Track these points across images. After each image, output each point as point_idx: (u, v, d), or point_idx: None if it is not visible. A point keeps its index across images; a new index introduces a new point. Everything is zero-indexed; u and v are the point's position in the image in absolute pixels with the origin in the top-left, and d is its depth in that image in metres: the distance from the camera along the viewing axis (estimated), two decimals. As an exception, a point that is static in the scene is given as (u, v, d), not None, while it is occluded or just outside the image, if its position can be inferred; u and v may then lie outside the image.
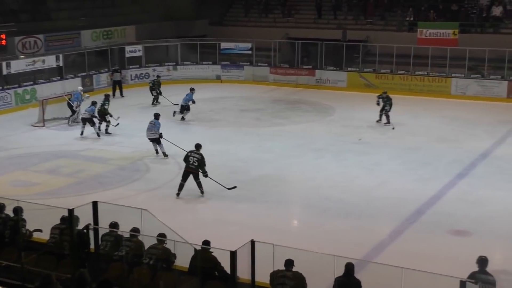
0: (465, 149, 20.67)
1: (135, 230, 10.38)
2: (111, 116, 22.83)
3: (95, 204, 10.29)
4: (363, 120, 24.56)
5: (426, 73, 29.80)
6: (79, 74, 30.01)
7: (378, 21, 34.17)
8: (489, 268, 9.53)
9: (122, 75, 30.62)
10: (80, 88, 25.83)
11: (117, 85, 29.99)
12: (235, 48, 33.80)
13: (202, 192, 16.47)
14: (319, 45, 31.73)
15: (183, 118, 24.69)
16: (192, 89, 25.31)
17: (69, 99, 24.74)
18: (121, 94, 29.81)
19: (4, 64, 26.79)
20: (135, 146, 21.03)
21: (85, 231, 10.36)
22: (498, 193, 16.66)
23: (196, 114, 25.83)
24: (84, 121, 22.48)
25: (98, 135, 22.45)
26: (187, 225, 13.65)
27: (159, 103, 27.78)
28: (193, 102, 25.04)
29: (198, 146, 16.70)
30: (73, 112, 24.40)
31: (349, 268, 9.29)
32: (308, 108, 27.62)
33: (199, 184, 16.46)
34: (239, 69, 33.47)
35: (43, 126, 23.98)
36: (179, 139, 20.18)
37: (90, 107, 22.50)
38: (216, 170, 17.22)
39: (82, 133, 22.48)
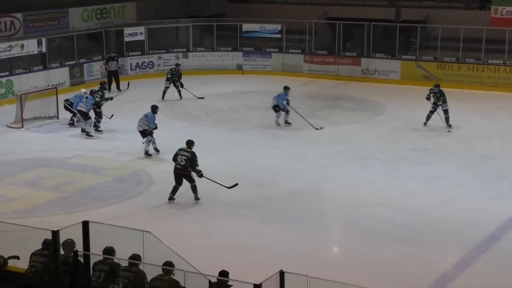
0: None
1: (136, 258, 10.38)
2: (99, 111, 23.49)
3: (85, 224, 10.34)
4: (421, 121, 24.44)
5: (501, 61, 29.56)
6: (67, 63, 30.30)
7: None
8: None
9: (120, 64, 30.82)
10: (84, 90, 25.08)
11: (113, 76, 30.24)
12: (261, 30, 33.91)
13: (196, 198, 17.24)
14: (366, 27, 31.72)
15: (286, 122, 24.68)
16: (287, 88, 24.88)
17: (68, 104, 24.72)
18: (118, 88, 29.96)
19: (-27, 50, 27.22)
20: (136, 152, 21.11)
21: (71, 258, 10.43)
22: None
23: (213, 113, 26.00)
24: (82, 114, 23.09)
25: (90, 134, 22.93)
26: (200, 252, 13.67)
27: (181, 97, 28.26)
28: (287, 103, 24.54)
29: (189, 143, 17.36)
30: (72, 113, 24.45)
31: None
32: (352, 106, 27.68)
33: (194, 189, 17.14)
34: (265, 57, 33.62)
35: (22, 127, 24.20)
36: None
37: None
38: (237, 180, 17.39)
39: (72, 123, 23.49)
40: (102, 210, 16.83)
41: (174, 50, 33.68)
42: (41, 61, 29.59)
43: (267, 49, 33.87)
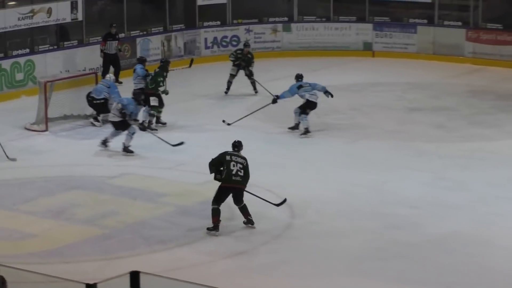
0: None
1: (206, 329, 10.59)
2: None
3: (134, 276, 10.55)
4: None
5: None
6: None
7: None
8: None
9: (121, 45, 30.84)
10: (111, 76, 26.34)
11: (111, 62, 30.20)
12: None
13: (252, 222, 17.69)
14: None
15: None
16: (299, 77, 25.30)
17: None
18: (117, 79, 28.77)
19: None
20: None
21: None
22: None
23: (326, 115, 26.04)
24: (116, 126, 23.25)
25: (130, 150, 23.10)
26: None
27: (257, 91, 28.68)
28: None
29: (238, 145, 17.93)
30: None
31: None
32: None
33: (245, 210, 17.59)
34: (407, 32, 33.74)
35: (45, 130, 24.61)
36: (288, 158, 20.35)
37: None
38: (360, 219, 17.43)
39: (105, 143, 23.22)
40: (159, 256, 16.85)
41: (271, 19, 34.04)
42: (75, 34, 30.22)
43: (410, 20, 33.89)
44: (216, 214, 17.25)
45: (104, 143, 23.06)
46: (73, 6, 29.44)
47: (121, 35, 30.61)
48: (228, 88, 28.78)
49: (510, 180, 20.94)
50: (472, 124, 24.93)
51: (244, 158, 17.45)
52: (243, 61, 28.60)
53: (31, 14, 28.54)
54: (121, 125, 22.56)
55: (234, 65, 28.75)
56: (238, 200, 17.48)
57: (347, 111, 26.86)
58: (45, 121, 24.63)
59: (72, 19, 29.65)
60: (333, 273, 16.18)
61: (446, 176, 21.22)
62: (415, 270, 16.26)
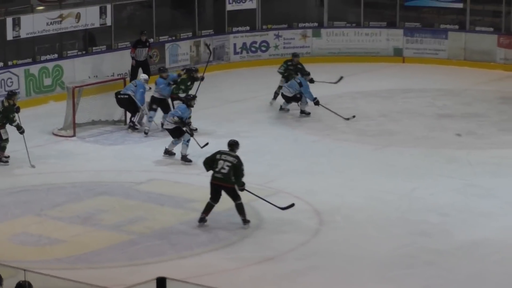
0: None
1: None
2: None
3: (161, 282, 10.59)
4: None
5: None
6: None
7: None
8: None
9: (151, 52, 30.90)
10: (144, 76, 26.40)
11: (142, 69, 29.87)
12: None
13: (245, 222, 17.96)
14: None
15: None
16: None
17: (122, 96, 25.34)
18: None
19: (9, 21, 28.04)
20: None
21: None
22: None
23: (355, 121, 26.11)
24: (172, 133, 23.03)
25: (188, 159, 22.98)
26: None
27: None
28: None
29: (233, 145, 18.46)
30: (136, 110, 25.19)
31: None
32: None
33: (240, 209, 17.82)
34: (438, 37, 33.59)
35: (73, 135, 24.76)
36: (318, 164, 20.35)
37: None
38: (389, 226, 17.48)
39: (168, 153, 23.37)
40: (186, 262, 16.87)
41: (300, 25, 34.00)
42: (104, 39, 30.34)
43: (442, 25, 33.75)
44: (206, 208, 17.99)
45: (167, 152, 23.15)
46: (102, 11, 29.56)
47: (150, 40, 30.63)
48: (274, 98, 28.42)
49: None
50: (503, 130, 24.92)
51: (236, 157, 17.78)
52: (295, 72, 28.16)
53: (59, 19, 28.62)
54: (176, 132, 22.49)
55: (283, 76, 28.33)
56: (232, 198, 17.83)
57: (376, 117, 26.88)
58: (73, 127, 24.77)
59: (100, 24, 29.75)
60: (362, 280, 16.13)
61: (476, 183, 21.14)
62: (444, 277, 16.19)
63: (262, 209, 19.60)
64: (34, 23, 28.38)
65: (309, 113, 26.42)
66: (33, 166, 22.16)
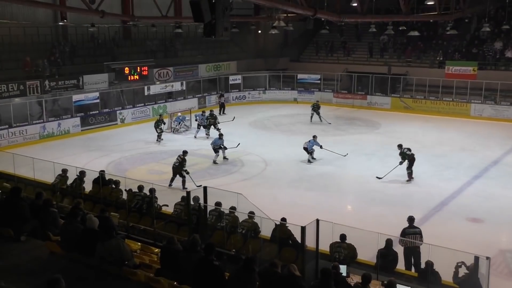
0: (480, 157, 19.80)
1: (233, 208, 10.49)
2: (219, 123, 22.99)
3: (205, 188, 10.48)
4: (403, 133, 23.75)
5: (451, 99, 28.68)
6: (196, 95, 30.43)
7: (415, 60, 33.15)
8: (497, 248, 9.08)
9: (225, 98, 30.07)
10: (180, 114, 25.00)
11: (222, 106, 29.35)
12: (308, 78, 33.33)
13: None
14: (370, 77, 31.12)
15: (309, 161, 18.88)
16: (315, 137, 19.15)
17: (174, 120, 24.70)
18: (223, 112, 28.72)
19: (145, 87, 27.47)
20: (234, 149, 20.97)
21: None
22: (507, 191, 15.92)
23: (279, 125, 25.79)
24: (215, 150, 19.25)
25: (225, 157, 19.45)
26: (269, 206, 13.55)
27: (330, 123, 25.92)
28: (321, 147, 19.05)
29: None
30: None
31: (389, 243, 9.14)
32: (361, 123, 27.00)
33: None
34: (310, 93, 32.89)
35: (171, 131, 24.26)
36: (264, 143, 20.05)
37: (218, 139, 19.29)
38: (286, 167, 17.02)
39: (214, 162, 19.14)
40: (214, 180, 16.69)
41: (257, 88, 33.31)
42: (182, 94, 29.76)
43: (312, 89, 33.01)
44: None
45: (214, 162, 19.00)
46: (181, 84, 29.17)
47: (199, 95, 30.33)
48: (312, 118, 26.23)
49: (351, 151, 20.19)
50: (336, 129, 24.21)
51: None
52: (317, 109, 26.09)
53: (165, 87, 28.32)
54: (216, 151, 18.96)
55: (314, 110, 26.11)
56: None
57: (287, 124, 25.89)
58: (170, 128, 24.31)
59: (181, 89, 29.35)
60: (282, 186, 16.00)
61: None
62: (312, 187, 16.18)
63: (243, 160, 19.39)
64: (155, 88, 27.83)
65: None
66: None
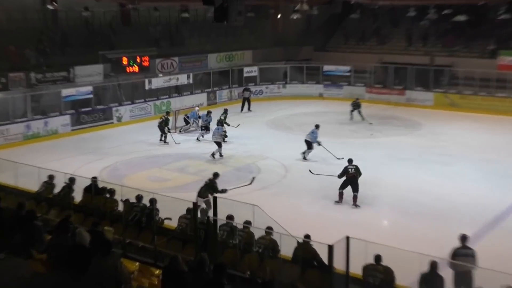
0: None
1: (247, 223, 10.42)
2: (228, 125, 22.90)
3: (215, 199, 10.42)
4: (448, 135, 23.50)
5: (505, 95, 28.34)
6: (205, 90, 30.54)
7: (462, 49, 32.78)
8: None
9: (251, 92, 30.10)
10: (197, 108, 25.42)
11: (247, 101, 29.36)
12: (336, 70, 33.18)
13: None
14: (409, 69, 30.90)
15: (304, 158, 19.76)
16: (317, 126, 20.25)
17: (186, 115, 24.87)
18: (249, 109, 29.06)
19: (146, 81, 27.61)
20: (250, 151, 20.99)
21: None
22: None
23: (301, 126, 25.59)
24: (217, 144, 20.39)
25: (221, 155, 20.37)
26: (290, 220, 13.41)
27: (371, 123, 25.92)
28: (319, 144, 19.81)
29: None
30: (187, 123, 24.45)
31: (434, 265, 8.95)
32: (399, 123, 26.76)
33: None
34: (338, 88, 32.82)
35: (175, 131, 24.20)
36: (284, 146, 20.00)
37: (217, 128, 20.85)
38: (310, 174, 16.99)
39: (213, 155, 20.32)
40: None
41: (277, 82, 33.34)
42: (189, 89, 29.84)
43: (340, 83, 32.93)
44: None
45: (213, 155, 20.10)
46: (188, 76, 29.31)
47: (208, 89, 30.49)
48: (351, 116, 26.52)
49: (386, 156, 20.15)
50: (369, 130, 24.03)
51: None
52: (357, 107, 26.42)
53: (169, 80, 28.58)
54: (219, 144, 20.21)
55: (354, 109, 26.45)
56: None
57: (310, 124, 24.82)
58: (175, 127, 24.31)
59: (187, 82, 29.45)
60: (306, 199, 15.92)
61: (355, 154, 18.53)
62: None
63: (260, 164, 19.29)
64: (158, 82, 28.00)
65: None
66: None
